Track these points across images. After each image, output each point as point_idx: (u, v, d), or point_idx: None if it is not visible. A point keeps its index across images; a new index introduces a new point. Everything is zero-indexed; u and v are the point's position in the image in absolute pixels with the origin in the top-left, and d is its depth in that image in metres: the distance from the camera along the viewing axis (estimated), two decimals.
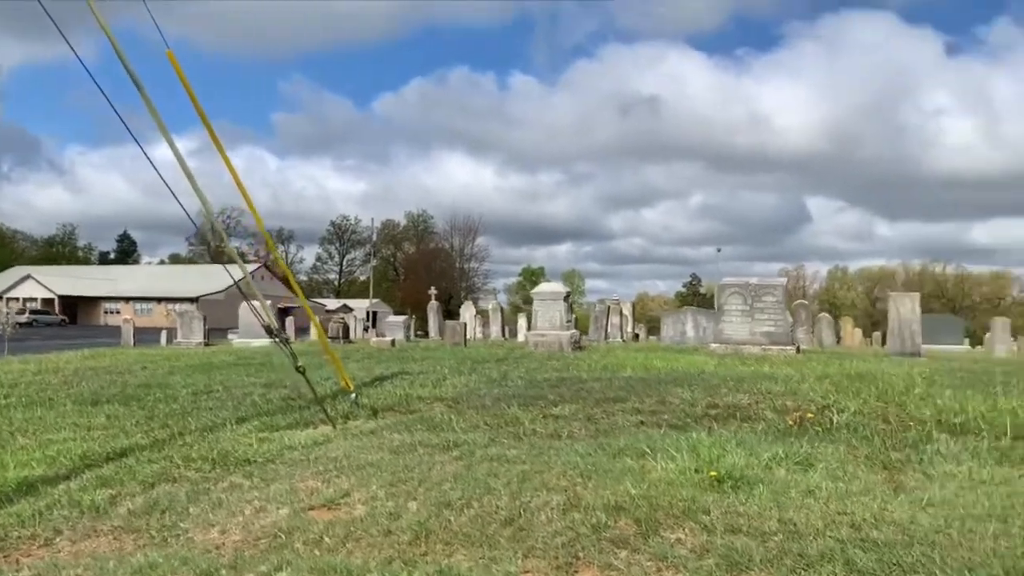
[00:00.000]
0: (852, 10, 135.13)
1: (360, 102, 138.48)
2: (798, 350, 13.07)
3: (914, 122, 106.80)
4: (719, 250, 77.52)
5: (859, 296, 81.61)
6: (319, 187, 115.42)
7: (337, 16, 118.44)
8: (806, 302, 25.78)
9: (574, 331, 14.34)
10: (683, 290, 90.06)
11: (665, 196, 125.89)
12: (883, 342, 36.68)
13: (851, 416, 5.17)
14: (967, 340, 36.61)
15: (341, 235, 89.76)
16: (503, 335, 26.72)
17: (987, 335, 41.44)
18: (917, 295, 13.50)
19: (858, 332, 35.18)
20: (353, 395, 6.50)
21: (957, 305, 71.46)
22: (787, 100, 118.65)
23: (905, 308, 13.05)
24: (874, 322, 67.97)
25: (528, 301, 23.41)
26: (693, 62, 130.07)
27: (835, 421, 5.02)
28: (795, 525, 2.98)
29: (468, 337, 19.86)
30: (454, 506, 3.34)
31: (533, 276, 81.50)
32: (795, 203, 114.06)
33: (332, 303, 67.68)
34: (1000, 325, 17.82)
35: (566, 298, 14.35)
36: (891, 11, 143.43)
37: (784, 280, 14.88)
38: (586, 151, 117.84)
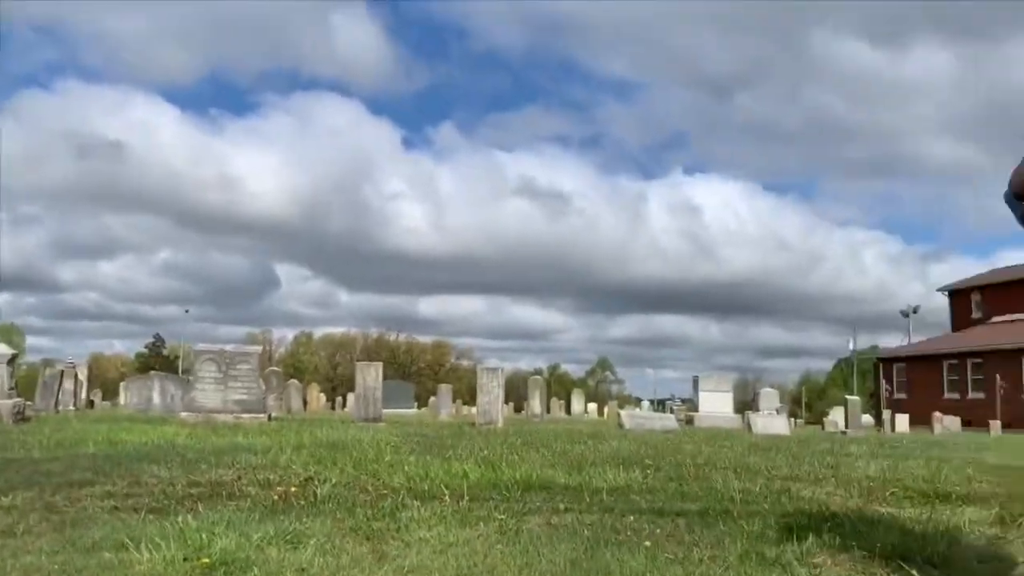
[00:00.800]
0: (323, 92, 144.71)
1: None
2: (269, 418, 13.19)
3: (375, 203, 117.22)
4: (187, 311, 74.92)
5: (322, 361, 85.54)
6: None
7: None
8: (278, 369, 26.17)
9: (18, 400, 12.49)
10: (145, 351, 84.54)
11: (126, 249, 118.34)
12: (344, 405, 38.90)
13: (333, 488, 5.39)
14: (416, 403, 40.71)
15: None
16: None
17: (432, 399, 46.57)
18: (380, 364, 14.69)
19: (323, 397, 36.77)
20: None
21: (407, 370, 79.14)
22: (260, 166, 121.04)
23: (370, 376, 14.08)
24: (334, 386, 71.70)
25: None
26: (165, 114, 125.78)
27: (319, 494, 5.18)
28: None
29: None
30: None
31: None
32: (265, 268, 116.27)
33: None
34: (444, 391, 20.24)
35: (10, 361, 12.48)
36: (358, 100, 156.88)
37: (259, 348, 14.98)
38: (34, 190, 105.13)
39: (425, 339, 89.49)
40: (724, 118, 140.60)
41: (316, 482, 5.58)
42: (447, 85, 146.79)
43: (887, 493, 5.34)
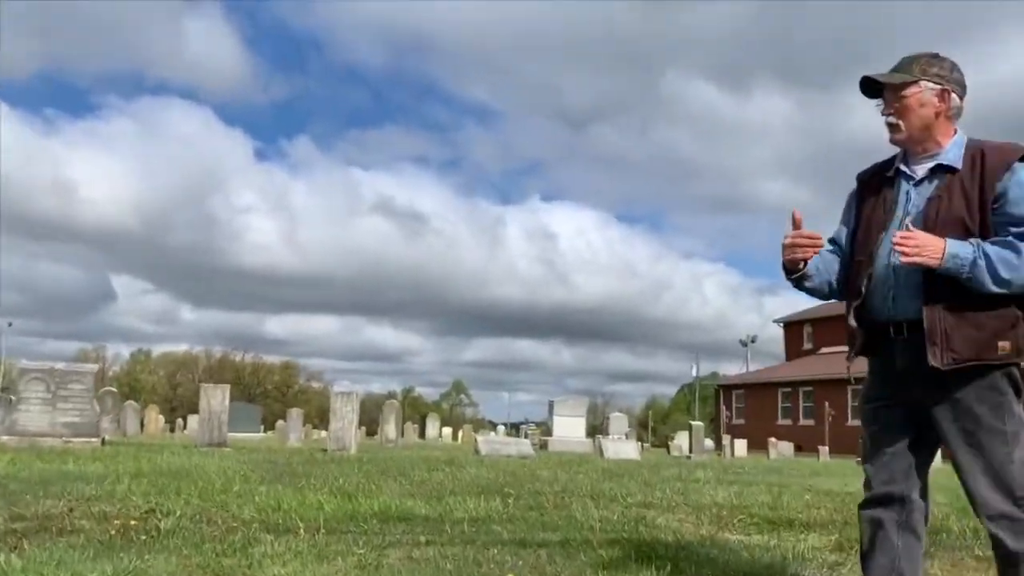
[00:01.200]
0: (172, 97, 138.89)
1: None
2: (103, 442, 12.36)
3: (224, 215, 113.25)
4: (10, 324, 69.22)
5: (161, 381, 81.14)
6: None
7: None
8: (114, 389, 24.60)
9: None
10: None
11: None
12: (184, 428, 36.97)
13: (177, 520, 5.05)
14: (262, 427, 39.30)
15: None
16: None
17: (279, 422, 45.04)
18: (228, 387, 14.05)
19: (161, 419, 34.82)
20: None
21: (252, 392, 76.30)
22: (99, 171, 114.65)
23: (216, 400, 13.44)
24: (173, 407, 68.17)
25: None
26: None
27: (162, 527, 4.84)
28: None
29: None
30: None
31: None
32: (100, 279, 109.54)
33: None
34: (295, 415, 19.62)
35: None
36: (209, 107, 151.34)
37: (95, 367, 14.03)
38: None
39: (273, 359, 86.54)
40: (580, 148, 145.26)
41: (159, 514, 5.22)
42: (304, 98, 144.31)
43: (735, 520, 5.55)
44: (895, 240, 2.31)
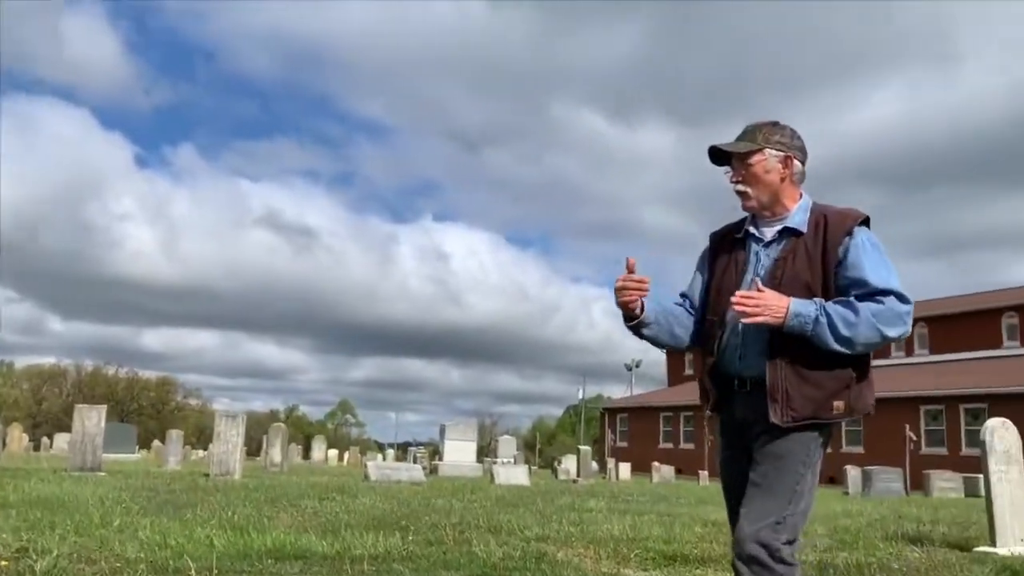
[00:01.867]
0: (46, 96, 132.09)
1: None
2: None
3: (99, 221, 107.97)
4: None
5: (24, 395, 76.25)
6: None
7: None
8: None
9: None
10: None
11: None
12: (51, 446, 34.79)
13: (54, 560, 4.72)
14: (137, 446, 37.39)
15: None
16: None
17: (155, 442, 43.02)
18: (104, 408, 13.33)
19: (25, 437, 32.69)
20: None
21: (126, 409, 72.66)
22: None
23: (91, 421, 12.73)
24: (37, 424, 64.24)
25: None
26: None
27: (37, 569, 4.52)
28: None
29: None
30: None
31: None
32: None
33: None
34: (175, 437, 18.78)
35: None
36: (87, 109, 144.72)
37: None
38: None
39: (149, 374, 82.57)
40: (473, 170, 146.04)
41: (33, 554, 4.87)
42: (191, 105, 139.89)
43: (632, 555, 5.62)
44: (734, 300, 2.42)
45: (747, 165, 2.59)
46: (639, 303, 2.59)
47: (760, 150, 2.58)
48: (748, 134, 2.62)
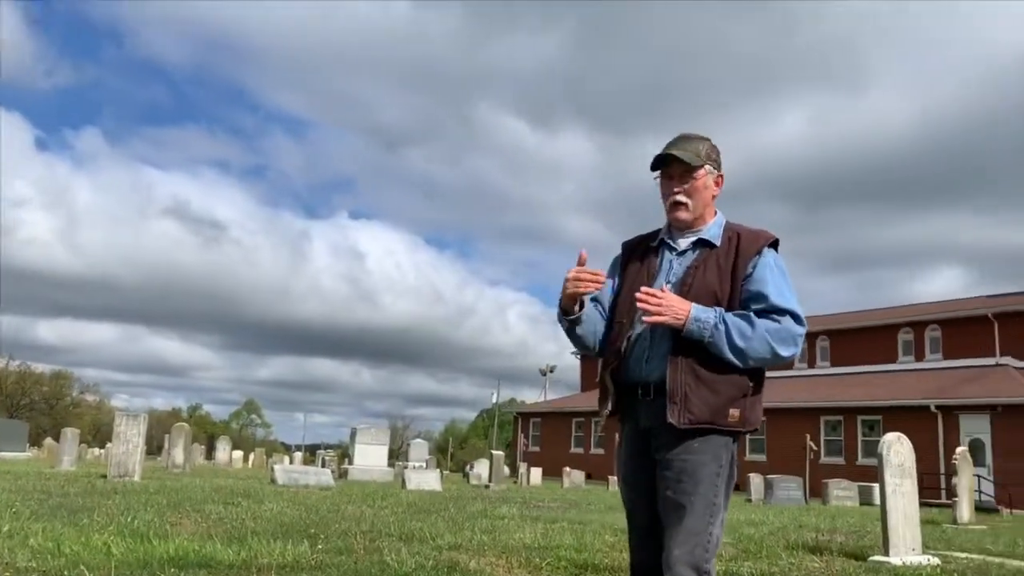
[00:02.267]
0: None
1: None
2: None
3: None
4: None
5: None
6: None
7: None
8: None
9: None
10: None
11: None
12: None
13: None
14: (28, 444, 35.69)
15: None
16: None
17: (47, 440, 41.12)
18: None
19: None
20: None
21: (16, 404, 69.27)
22: None
23: None
24: None
25: None
26: None
27: None
28: None
29: None
30: None
31: None
32: None
33: None
34: (70, 435, 17.93)
35: None
36: None
37: None
38: None
39: (42, 368, 78.68)
40: (392, 169, 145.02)
41: None
42: (95, 88, 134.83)
43: (544, 563, 5.64)
44: (638, 296, 2.47)
45: (692, 178, 2.65)
46: (581, 299, 2.62)
47: (703, 165, 2.65)
48: (691, 147, 2.66)
